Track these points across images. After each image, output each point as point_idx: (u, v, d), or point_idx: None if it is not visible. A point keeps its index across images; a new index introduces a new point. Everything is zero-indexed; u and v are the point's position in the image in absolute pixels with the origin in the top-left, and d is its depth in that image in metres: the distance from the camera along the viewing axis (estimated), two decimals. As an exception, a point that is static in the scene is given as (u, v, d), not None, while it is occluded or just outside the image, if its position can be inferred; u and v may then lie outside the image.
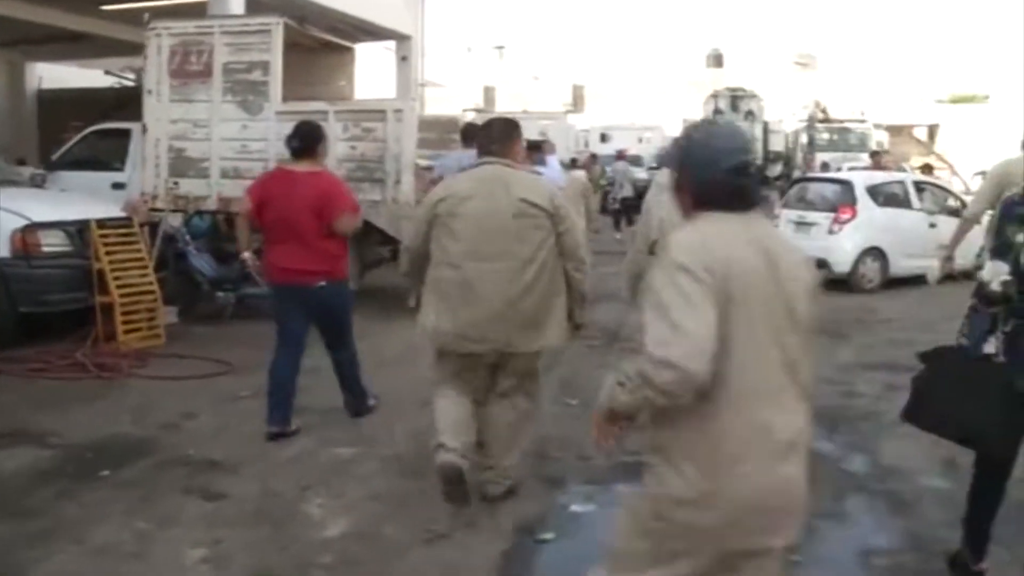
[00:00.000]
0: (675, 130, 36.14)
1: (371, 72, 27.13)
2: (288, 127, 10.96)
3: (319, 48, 13.36)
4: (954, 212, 14.10)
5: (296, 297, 5.94)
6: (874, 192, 13.60)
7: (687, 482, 2.45)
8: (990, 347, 3.77)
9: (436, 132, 12.94)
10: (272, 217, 5.91)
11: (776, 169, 27.00)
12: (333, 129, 10.72)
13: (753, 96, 27.77)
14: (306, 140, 6.05)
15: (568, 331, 4.87)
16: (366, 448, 5.91)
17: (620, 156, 23.67)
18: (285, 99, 11.01)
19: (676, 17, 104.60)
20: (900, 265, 13.44)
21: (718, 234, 2.47)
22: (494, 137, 4.80)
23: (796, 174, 26.29)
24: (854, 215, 13.23)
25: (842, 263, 13.15)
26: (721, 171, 2.50)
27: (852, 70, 47.93)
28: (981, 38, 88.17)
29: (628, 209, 20.73)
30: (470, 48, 62.47)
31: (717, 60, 55.26)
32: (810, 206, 14.02)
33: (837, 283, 13.28)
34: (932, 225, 13.77)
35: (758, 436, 2.42)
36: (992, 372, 3.73)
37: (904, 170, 21.88)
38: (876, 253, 13.28)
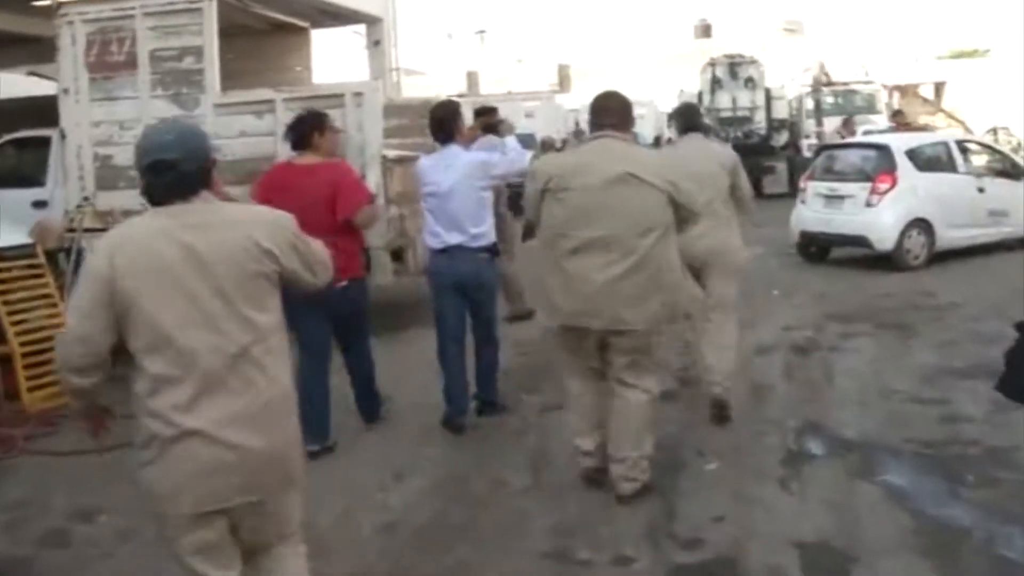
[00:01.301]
0: (670, 104, 34.57)
1: (341, 60, 25.46)
2: (230, 121, 9.58)
3: (269, 31, 11.64)
4: (1004, 173, 12.47)
5: (315, 303, 5.01)
6: (914, 156, 11.84)
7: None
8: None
9: (409, 118, 11.18)
10: None
11: (782, 138, 25.20)
12: (281, 120, 9.02)
13: (753, 62, 25.86)
14: (298, 131, 5.75)
15: (679, 309, 4.78)
16: (324, 563, 4.21)
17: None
18: (227, 89, 9.29)
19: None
20: (947, 237, 11.74)
21: (134, 231, 2.76)
22: (612, 111, 4.71)
23: (807, 143, 24.58)
24: (894, 184, 11.49)
25: (885, 239, 11.44)
26: (141, 169, 2.77)
27: (840, 33, 46.33)
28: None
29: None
30: (450, 35, 61.14)
31: (705, 30, 53.83)
32: (841, 176, 12.25)
33: (879, 261, 11.63)
34: (980, 189, 12.11)
35: (181, 409, 2.61)
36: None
37: (927, 129, 20.26)
38: (921, 225, 11.55)
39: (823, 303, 9.76)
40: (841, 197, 11.92)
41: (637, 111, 19.13)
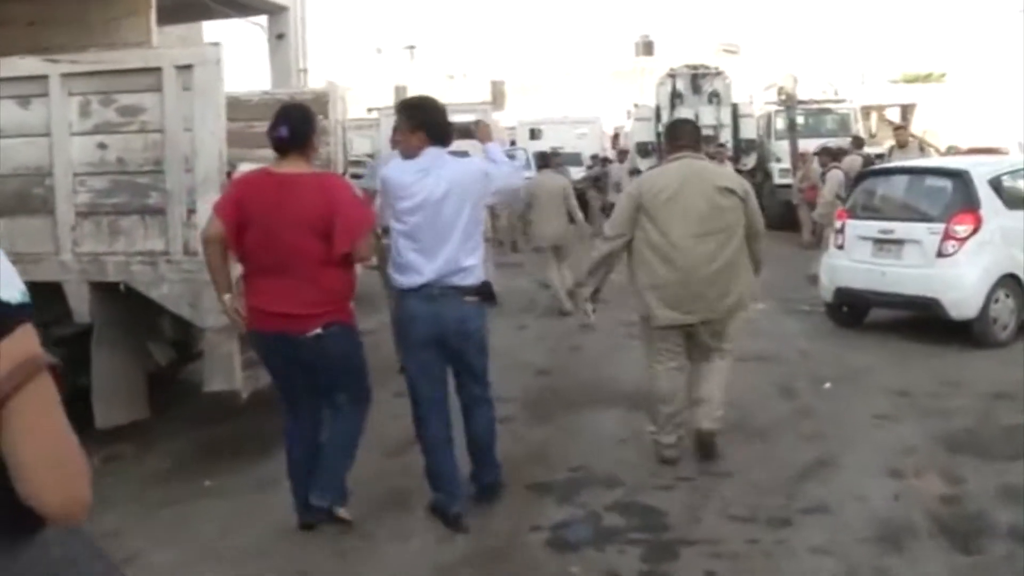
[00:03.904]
0: (616, 121, 31.44)
1: (242, 58, 21.93)
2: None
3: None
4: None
5: (284, 351, 4.41)
6: (999, 188, 8.58)
7: None
8: None
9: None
10: (255, 240, 4.32)
11: (750, 161, 22.04)
12: (60, 111, 5.43)
13: (718, 74, 22.78)
14: (298, 128, 4.40)
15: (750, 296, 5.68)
16: None
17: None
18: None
19: (595, 7, 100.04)
20: (1037, 299, 8.54)
21: None
22: (683, 135, 5.66)
23: (777, 167, 21.56)
24: (978, 226, 8.23)
25: (965, 304, 8.15)
26: None
27: (776, 57, 44.23)
28: (906, 16, 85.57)
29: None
30: (380, 49, 58.05)
31: (647, 47, 51.58)
32: (896, 214, 8.96)
33: (940, 327, 8.35)
34: (1073, 235, 8.91)
35: None
36: None
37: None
38: (1011, 284, 8.31)
39: (915, 410, 6.40)
40: (899, 242, 8.60)
41: (578, 130, 17.17)
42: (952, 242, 8.23)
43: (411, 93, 32.88)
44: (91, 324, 5.64)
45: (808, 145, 20.18)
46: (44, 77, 5.39)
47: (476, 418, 4.86)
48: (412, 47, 59.39)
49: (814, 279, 11.46)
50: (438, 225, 4.48)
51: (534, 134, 30.24)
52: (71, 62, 5.42)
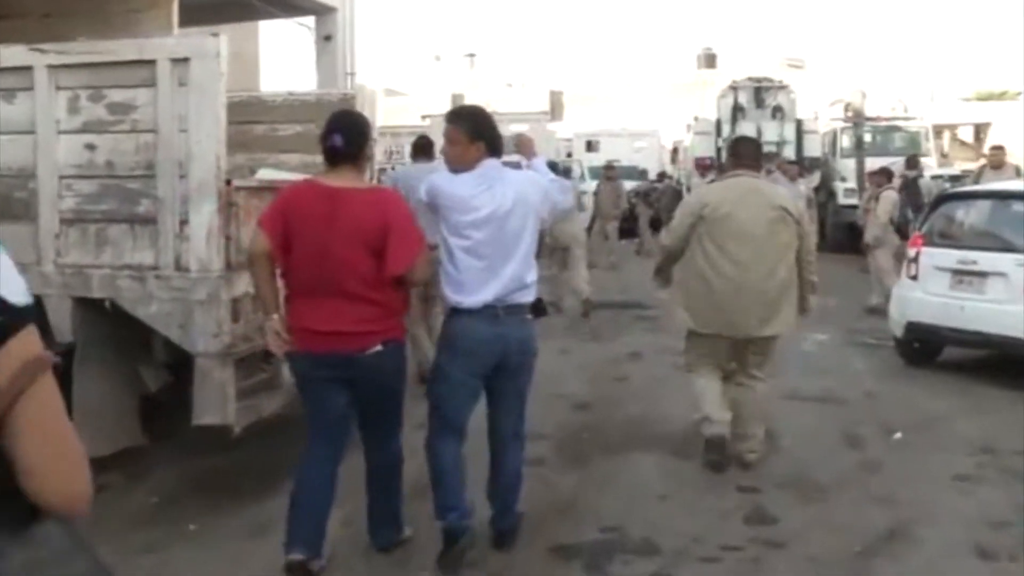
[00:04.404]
0: (676, 135, 30.62)
1: (289, 60, 21.67)
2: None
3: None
4: None
5: (336, 370, 4.04)
6: (1093, 216, 7.76)
7: None
8: None
9: (318, 122, 7.09)
10: (303, 256, 3.99)
11: (814, 180, 21.07)
12: (46, 106, 4.91)
13: (782, 88, 21.85)
14: (352, 137, 4.09)
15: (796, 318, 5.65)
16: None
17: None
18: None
19: (658, 19, 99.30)
20: None
21: None
22: (745, 154, 5.71)
23: (842, 187, 20.63)
24: (1071, 260, 7.41)
25: (1056, 347, 7.33)
26: None
27: (842, 72, 43.14)
28: (978, 32, 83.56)
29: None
30: (439, 57, 58.05)
31: (710, 60, 50.74)
32: (978, 242, 8.14)
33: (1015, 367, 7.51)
34: None
35: None
36: None
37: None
38: (1107, 326, 7.46)
39: (1002, 472, 5.61)
40: (981, 275, 7.78)
41: (636, 143, 17.25)
42: (1042, 277, 7.40)
43: (468, 101, 32.38)
44: (73, 343, 5.09)
45: (876, 164, 19.23)
46: (29, 68, 4.87)
47: (509, 457, 4.48)
48: (472, 55, 59.26)
49: (873, 310, 10.75)
50: (503, 240, 4.19)
51: (591, 146, 29.56)
52: (58, 52, 4.88)
